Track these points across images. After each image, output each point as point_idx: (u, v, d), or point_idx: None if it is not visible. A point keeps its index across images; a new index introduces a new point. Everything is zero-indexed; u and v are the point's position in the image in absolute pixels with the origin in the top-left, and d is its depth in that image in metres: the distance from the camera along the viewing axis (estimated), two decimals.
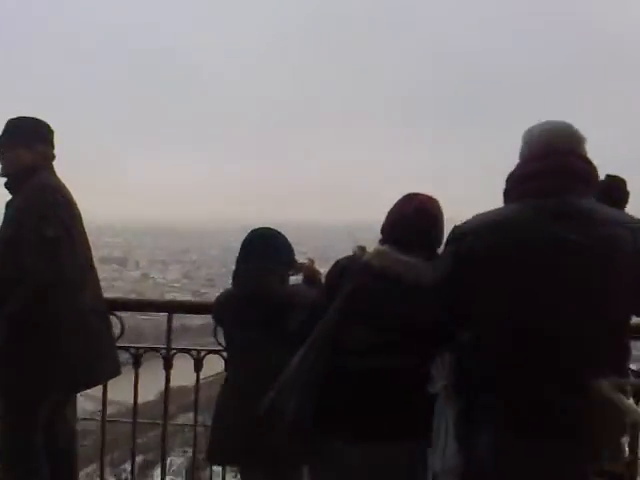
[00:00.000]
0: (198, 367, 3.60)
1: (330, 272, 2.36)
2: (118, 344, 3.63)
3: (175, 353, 3.66)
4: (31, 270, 2.73)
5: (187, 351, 3.64)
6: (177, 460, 32.09)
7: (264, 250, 2.78)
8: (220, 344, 3.38)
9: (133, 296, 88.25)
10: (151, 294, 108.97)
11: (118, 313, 3.61)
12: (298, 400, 2.04)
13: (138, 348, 3.68)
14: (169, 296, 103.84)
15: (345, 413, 2.09)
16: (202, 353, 3.60)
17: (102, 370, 3.25)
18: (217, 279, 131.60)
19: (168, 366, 3.64)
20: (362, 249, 2.30)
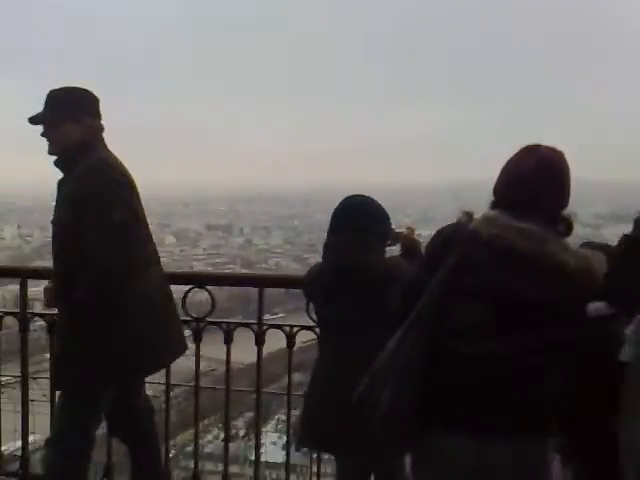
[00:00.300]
0: (290, 344, 3.65)
1: (431, 242, 2.12)
2: (210, 318, 3.75)
3: (267, 328, 3.70)
4: (100, 258, 2.57)
5: (279, 327, 3.71)
6: (283, 417, 33.50)
7: (358, 219, 2.59)
8: (313, 320, 3.30)
9: (238, 262, 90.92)
10: (255, 259, 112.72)
11: (209, 287, 3.62)
12: (394, 388, 1.79)
13: (229, 323, 3.76)
14: (272, 262, 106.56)
15: (455, 404, 1.82)
16: (295, 329, 3.64)
17: (169, 352, 3.12)
18: (318, 244, 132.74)
19: (260, 342, 3.71)
20: (468, 215, 2.07)
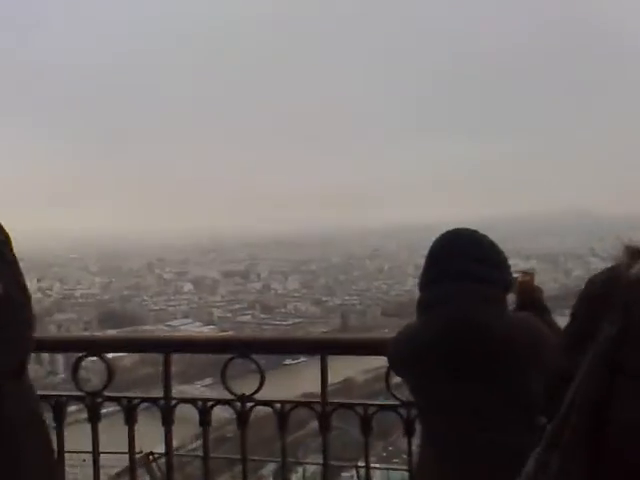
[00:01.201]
0: (204, 421, 3.10)
1: (581, 299, 1.53)
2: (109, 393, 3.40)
3: (176, 404, 3.20)
4: None
5: (191, 401, 3.21)
6: (310, 468, 32.80)
7: (470, 263, 1.98)
8: (395, 397, 2.83)
9: (257, 307, 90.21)
10: (274, 304, 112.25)
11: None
12: None
13: (130, 399, 3.25)
14: (290, 306, 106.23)
15: None
16: (209, 404, 3.10)
17: None
18: (336, 287, 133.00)
19: (168, 421, 3.20)
20: (635, 253, 1.51)
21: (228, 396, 3.17)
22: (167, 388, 3.08)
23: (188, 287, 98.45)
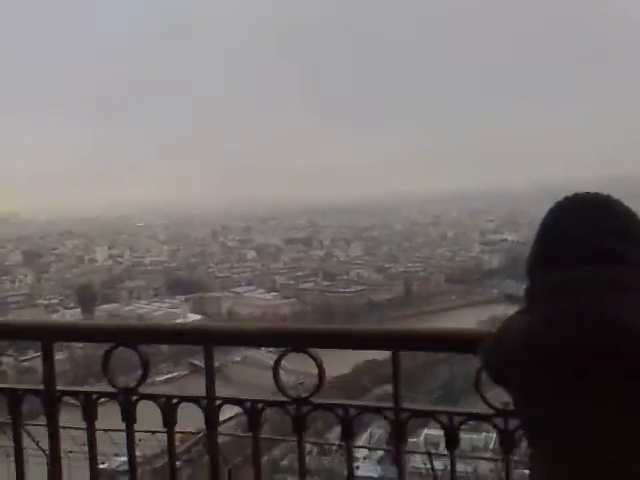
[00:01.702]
0: (168, 421, 2.66)
1: None
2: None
3: (138, 399, 2.76)
4: None
5: (152, 397, 2.79)
6: (377, 431, 32.84)
7: (608, 239, 1.42)
8: (489, 403, 2.38)
9: (320, 274, 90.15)
10: (336, 271, 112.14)
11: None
12: None
13: (89, 394, 2.82)
14: (353, 273, 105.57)
15: None
16: (174, 401, 2.65)
17: None
18: (399, 254, 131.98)
19: (130, 417, 2.77)
20: None
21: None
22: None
23: (251, 254, 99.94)
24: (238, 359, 51.42)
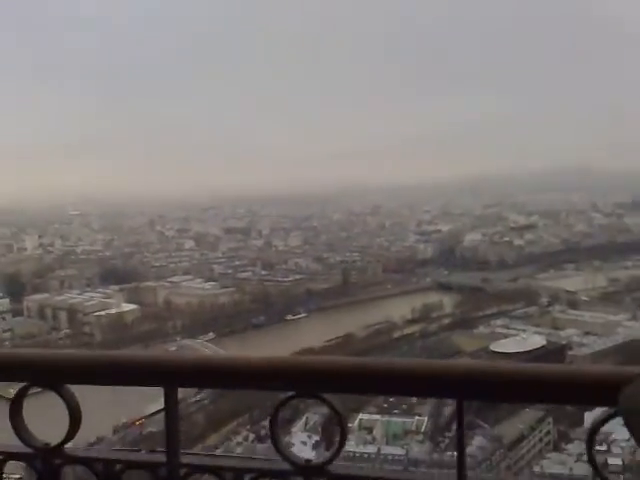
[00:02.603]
0: None
1: None
2: None
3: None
4: None
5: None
6: (313, 416, 33.21)
7: None
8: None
9: (259, 263, 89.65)
10: (275, 261, 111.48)
11: None
12: None
13: None
14: (292, 262, 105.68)
15: None
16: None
17: None
18: (337, 244, 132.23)
19: None
20: None
21: None
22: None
23: (189, 244, 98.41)
24: (174, 349, 51.04)
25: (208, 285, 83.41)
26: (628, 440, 28.81)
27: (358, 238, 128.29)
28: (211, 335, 56.41)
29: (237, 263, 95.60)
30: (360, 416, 33.64)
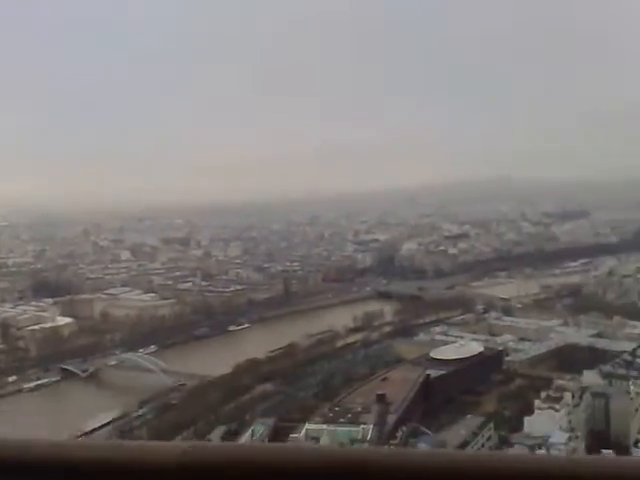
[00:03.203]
0: None
1: None
2: None
3: None
4: None
5: None
6: (259, 428, 32.99)
7: None
8: None
9: (199, 274, 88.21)
10: (216, 271, 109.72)
11: None
12: None
13: None
14: (232, 273, 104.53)
15: None
16: None
17: None
18: (277, 254, 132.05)
19: None
20: None
21: None
22: None
23: (126, 255, 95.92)
24: (113, 363, 49.59)
25: (147, 297, 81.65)
26: (566, 444, 30.19)
27: (298, 248, 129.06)
28: (152, 348, 55.12)
29: (177, 274, 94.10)
30: (307, 426, 33.78)
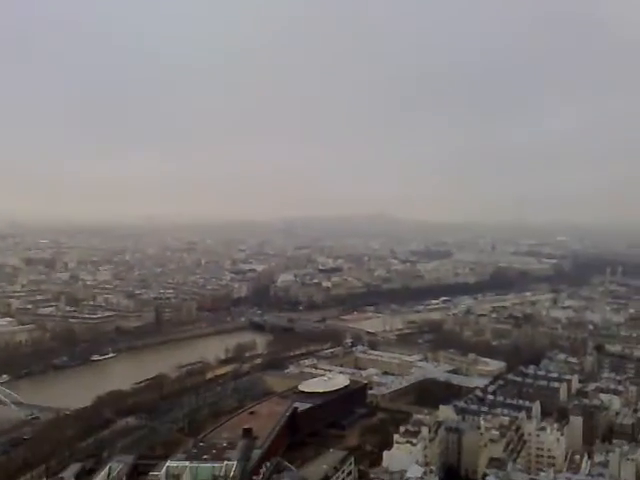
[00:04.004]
0: None
1: None
2: None
3: None
4: None
5: None
6: (117, 466, 31.74)
7: None
8: None
9: (63, 299, 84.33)
10: (82, 296, 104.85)
11: None
12: None
13: None
14: (100, 298, 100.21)
15: None
16: None
17: None
18: (151, 279, 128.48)
19: None
20: None
21: None
22: None
23: None
24: None
25: (3, 321, 75.89)
26: (421, 478, 31.69)
27: (173, 274, 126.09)
28: (4, 377, 51.25)
29: (38, 298, 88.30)
30: (168, 463, 32.76)
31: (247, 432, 36.77)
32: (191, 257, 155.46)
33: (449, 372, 64.83)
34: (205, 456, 32.15)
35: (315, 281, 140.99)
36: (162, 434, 42.83)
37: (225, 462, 31.30)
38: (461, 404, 47.85)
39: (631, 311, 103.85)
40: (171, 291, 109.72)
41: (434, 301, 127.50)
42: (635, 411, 47.70)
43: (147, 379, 55.46)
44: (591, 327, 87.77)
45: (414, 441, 37.06)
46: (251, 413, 43.81)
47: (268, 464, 32.99)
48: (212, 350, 70.65)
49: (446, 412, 44.73)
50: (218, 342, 79.35)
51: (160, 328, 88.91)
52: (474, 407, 47.38)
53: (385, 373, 66.58)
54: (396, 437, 37.83)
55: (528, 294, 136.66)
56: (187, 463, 31.11)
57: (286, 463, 35.02)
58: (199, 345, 78.54)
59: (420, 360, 73.23)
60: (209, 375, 61.74)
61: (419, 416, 42.41)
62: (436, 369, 66.28)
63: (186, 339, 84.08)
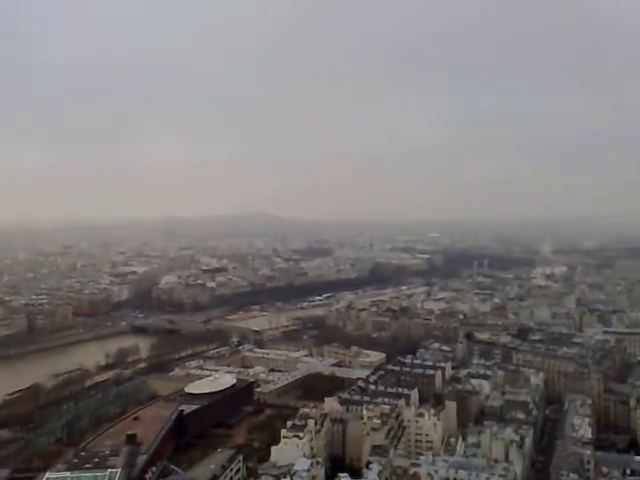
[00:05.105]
0: None
1: None
2: None
3: None
4: None
5: None
6: None
7: None
8: None
9: None
10: None
11: None
12: None
13: None
14: None
15: None
16: None
17: None
18: (21, 285, 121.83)
19: None
20: None
21: None
22: None
23: None
24: None
25: None
26: (308, 470, 32.59)
27: (46, 279, 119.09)
28: None
29: None
30: (47, 475, 31.36)
31: (131, 438, 35.98)
32: (65, 261, 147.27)
33: (333, 365, 67.13)
34: (87, 465, 31.16)
35: (199, 282, 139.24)
36: (39, 446, 40.75)
37: (108, 470, 30.53)
38: (345, 395, 49.74)
39: (496, 301, 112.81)
40: (44, 297, 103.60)
41: (318, 297, 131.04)
42: (503, 393, 52.11)
43: (20, 390, 52.35)
44: (461, 317, 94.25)
45: (301, 435, 38.00)
46: (135, 419, 42.81)
47: (154, 469, 32.58)
48: (91, 356, 67.90)
49: (331, 404, 46.20)
50: (98, 348, 76.36)
51: (33, 336, 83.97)
52: (357, 397, 49.43)
53: (272, 370, 67.58)
54: (283, 432, 38.61)
55: (404, 288, 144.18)
56: (68, 473, 30.05)
57: (173, 466, 34.71)
58: (77, 352, 75.11)
59: (305, 355, 75.14)
60: (89, 382, 59.31)
61: (305, 410, 43.54)
62: (321, 363, 68.30)
63: (62, 346, 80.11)
